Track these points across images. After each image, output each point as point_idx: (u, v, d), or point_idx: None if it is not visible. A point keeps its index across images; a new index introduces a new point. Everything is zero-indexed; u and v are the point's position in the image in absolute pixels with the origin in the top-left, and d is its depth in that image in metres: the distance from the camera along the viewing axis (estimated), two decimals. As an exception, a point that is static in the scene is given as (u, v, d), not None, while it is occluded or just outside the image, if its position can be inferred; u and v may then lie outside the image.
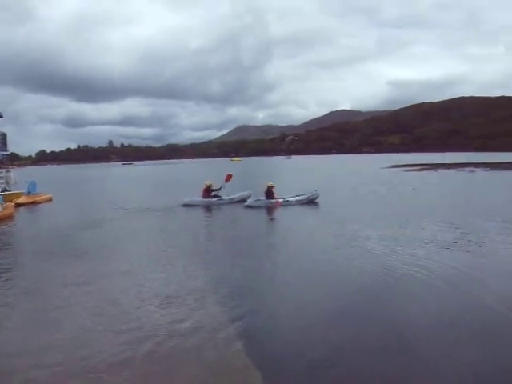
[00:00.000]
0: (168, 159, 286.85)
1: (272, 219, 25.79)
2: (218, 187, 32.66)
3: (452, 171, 64.90)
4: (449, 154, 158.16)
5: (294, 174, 72.96)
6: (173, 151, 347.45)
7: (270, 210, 28.32)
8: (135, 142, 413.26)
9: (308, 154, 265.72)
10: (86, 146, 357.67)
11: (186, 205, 30.90)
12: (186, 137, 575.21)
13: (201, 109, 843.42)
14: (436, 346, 8.43)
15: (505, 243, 16.63)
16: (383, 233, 19.03)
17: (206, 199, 31.82)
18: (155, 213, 28.28)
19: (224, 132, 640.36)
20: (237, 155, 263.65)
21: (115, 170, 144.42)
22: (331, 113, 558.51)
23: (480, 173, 60.19)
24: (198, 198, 32.02)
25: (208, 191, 32.05)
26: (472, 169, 66.87)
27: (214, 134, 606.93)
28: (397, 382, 7.37)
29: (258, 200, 29.97)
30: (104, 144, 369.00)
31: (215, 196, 32.20)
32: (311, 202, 30.34)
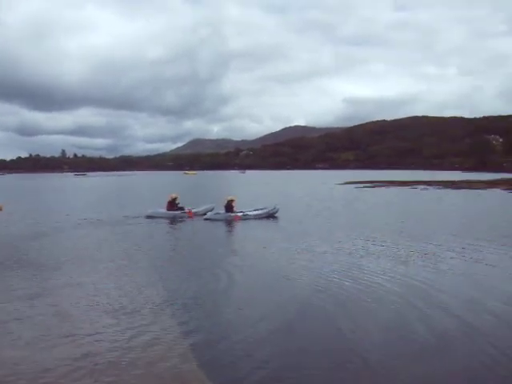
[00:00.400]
0: (122, 171, 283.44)
1: (229, 233, 25.71)
2: (182, 205, 32.44)
3: (405, 189, 65.82)
4: (402, 171, 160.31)
5: (249, 188, 72.88)
6: (126, 163, 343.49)
7: (229, 223, 28.37)
8: (88, 153, 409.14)
9: (262, 169, 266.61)
10: (38, 156, 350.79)
11: (149, 216, 30.82)
12: (140, 148, 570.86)
13: (155, 121, 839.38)
14: (392, 359, 8.45)
15: (456, 256, 17.17)
16: (338, 247, 19.29)
17: (170, 212, 31.62)
18: (111, 224, 27.97)
19: (178, 145, 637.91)
20: (191, 168, 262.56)
21: (68, 180, 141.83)
22: (286, 128, 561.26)
23: (432, 191, 61.21)
24: (161, 210, 31.87)
25: (172, 204, 31.93)
26: (425, 187, 67.94)
27: (168, 147, 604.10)
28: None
29: (218, 213, 30.14)
30: (56, 154, 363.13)
31: (179, 209, 32.01)
32: (271, 216, 30.56)
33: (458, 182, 75.54)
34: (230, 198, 30.89)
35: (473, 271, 15.07)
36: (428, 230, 24.29)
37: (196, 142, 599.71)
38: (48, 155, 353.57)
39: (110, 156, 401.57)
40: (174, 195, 32.51)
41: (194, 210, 31.88)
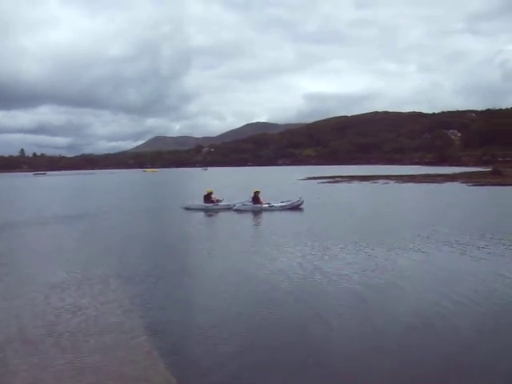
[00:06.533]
0: (83, 169, 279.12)
1: (255, 223, 28.01)
2: (217, 198, 34.69)
3: (366, 183, 66.30)
4: (363, 166, 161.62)
5: (215, 185, 72.82)
6: (87, 161, 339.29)
7: (256, 213, 30.54)
8: (48, 151, 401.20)
9: (224, 165, 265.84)
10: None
11: (187, 208, 33.90)
12: (101, 147, 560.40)
13: (117, 118, 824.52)
14: (356, 352, 8.62)
15: (415, 252, 17.29)
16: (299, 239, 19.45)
17: (205, 204, 34.11)
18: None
19: (139, 143, 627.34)
20: (153, 166, 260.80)
21: (28, 180, 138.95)
22: (247, 125, 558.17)
23: (393, 185, 61.82)
24: (198, 202, 34.72)
25: (208, 197, 34.28)
26: (385, 181, 68.44)
27: (129, 145, 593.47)
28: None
29: (245, 205, 32.33)
30: (15, 153, 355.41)
31: (214, 202, 34.15)
32: (296, 208, 32.12)
33: (418, 176, 76.28)
34: (256, 189, 33.02)
35: (436, 264, 15.35)
36: (391, 225, 24.54)
37: (157, 140, 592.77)
38: (6, 154, 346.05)
39: (71, 155, 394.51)
40: (209, 190, 35.03)
41: (225, 204, 34.03)
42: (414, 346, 8.84)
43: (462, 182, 60.65)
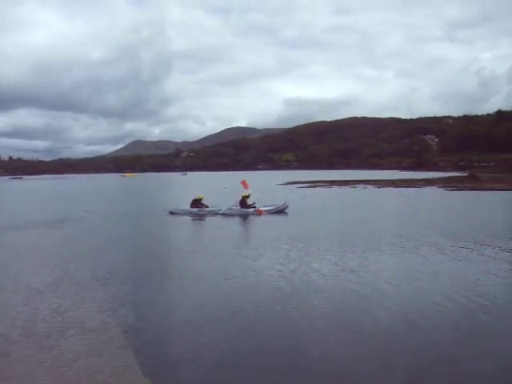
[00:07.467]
0: (60, 173, 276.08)
1: (241, 226, 28.01)
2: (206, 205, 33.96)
3: (346, 188, 66.63)
4: (342, 171, 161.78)
5: (194, 190, 72.57)
6: (65, 165, 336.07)
7: (243, 218, 30.43)
8: (25, 155, 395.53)
9: (204, 170, 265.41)
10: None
11: (172, 212, 33.41)
12: (80, 151, 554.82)
13: (96, 122, 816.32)
14: (341, 358, 8.55)
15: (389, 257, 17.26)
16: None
17: (191, 209, 33.48)
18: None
19: (118, 147, 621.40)
20: (132, 171, 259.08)
21: (4, 184, 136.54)
22: (227, 129, 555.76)
23: (372, 189, 62.31)
24: (183, 207, 33.99)
25: (196, 202, 33.74)
26: (364, 186, 68.87)
27: (108, 149, 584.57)
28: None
29: (232, 209, 32.19)
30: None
31: (202, 207, 33.55)
32: (281, 211, 32.30)
33: (397, 180, 76.90)
34: (244, 194, 32.74)
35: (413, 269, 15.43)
36: (372, 228, 24.77)
37: (136, 144, 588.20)
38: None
39: (49, 159, 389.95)
40: (200, 196, 34.40)
41: (210, 209, 33.31)
42: (403, 349, 8.87)
43: (440, 187, 61.33)
